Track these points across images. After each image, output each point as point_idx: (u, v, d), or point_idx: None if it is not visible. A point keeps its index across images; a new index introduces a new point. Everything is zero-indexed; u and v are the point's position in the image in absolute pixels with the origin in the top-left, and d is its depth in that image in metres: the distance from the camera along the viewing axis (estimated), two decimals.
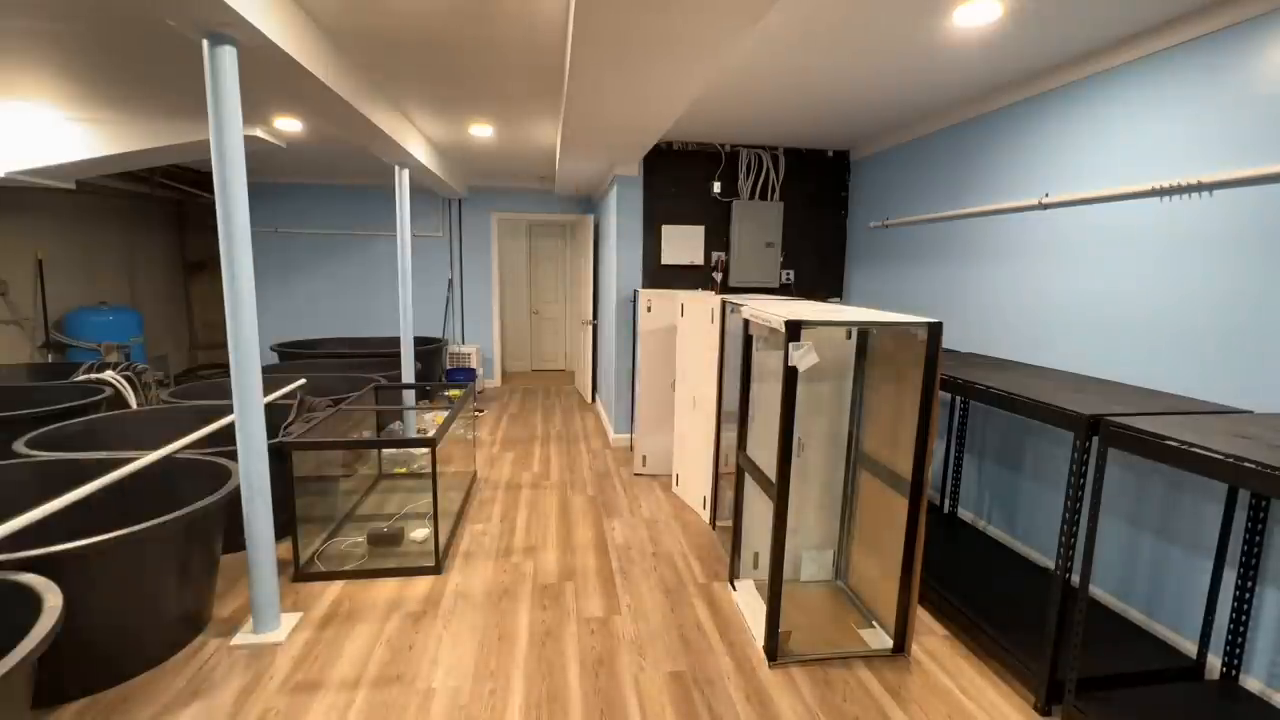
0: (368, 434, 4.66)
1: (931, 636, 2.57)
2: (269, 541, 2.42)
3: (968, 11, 2.44)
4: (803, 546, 2.95)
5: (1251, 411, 2.12)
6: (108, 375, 4.32)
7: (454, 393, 6.57)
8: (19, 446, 2.92)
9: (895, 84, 3.37)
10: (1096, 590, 2.75)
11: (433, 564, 3.02)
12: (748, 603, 2.77)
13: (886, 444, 2.59)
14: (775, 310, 2.47)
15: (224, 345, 7.70)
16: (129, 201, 6.72)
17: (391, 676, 2.24)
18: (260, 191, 7.09)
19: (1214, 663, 2.25)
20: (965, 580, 2.78)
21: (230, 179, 2.18)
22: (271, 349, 6.61)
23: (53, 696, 2.04)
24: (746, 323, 2.77)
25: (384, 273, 7.46)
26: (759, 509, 2.93)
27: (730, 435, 3.45)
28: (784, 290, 5.14)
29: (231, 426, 2.43)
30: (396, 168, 4.65)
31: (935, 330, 2.27)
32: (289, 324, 7.37)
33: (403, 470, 4.42)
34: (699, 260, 5.04)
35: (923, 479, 2.35)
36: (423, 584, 2.90)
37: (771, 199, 5.02)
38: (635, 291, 4.78)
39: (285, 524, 3.24)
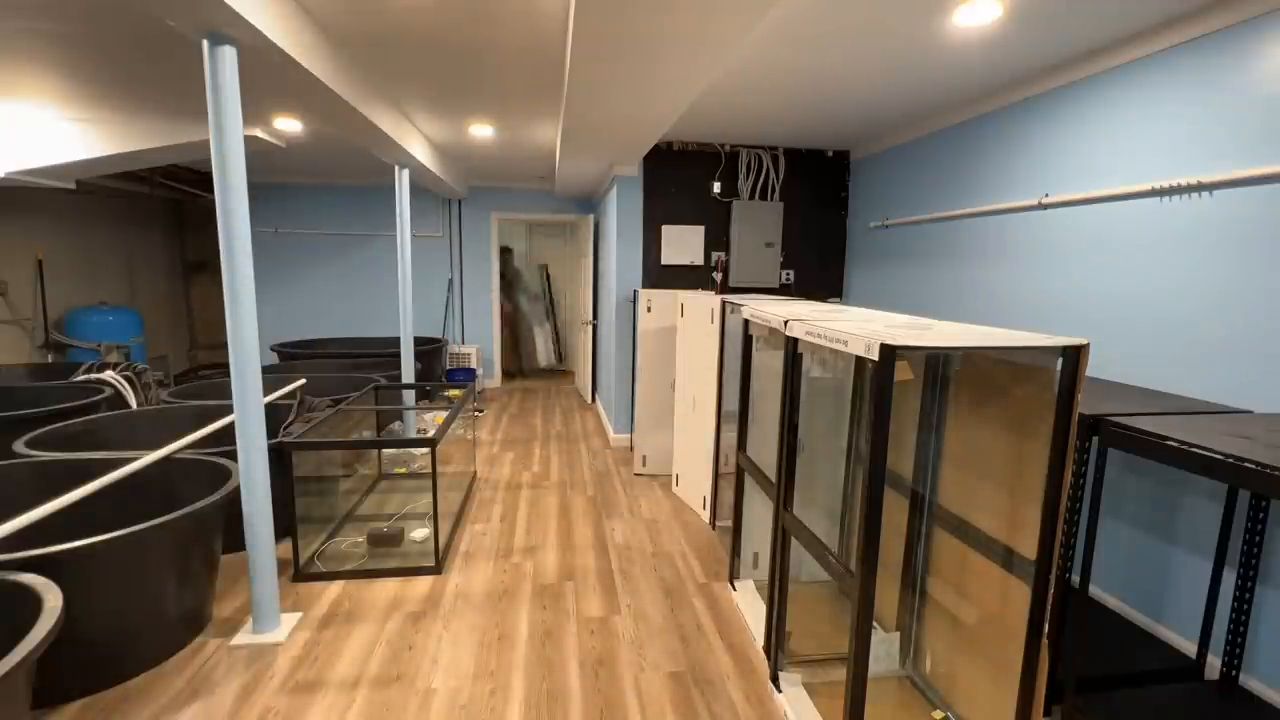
0: (368, 434, 4.66)
1: None
2: (269, 541, 2.42)
3: (968, 11, 2.44)
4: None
5: (1251, 411, 2.12)
6: (108, 375, 4.32)
7: (454, 393, 6.57)
8: (19, 446, 2.92)
9: (895, 84, 3.37)
10: (1096, 590, 2.76)
11: (433, 564, 3.02)
12: (748, 603, 2.77)
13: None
14: (775, 310, 2.46)
15: (224, 345, 7.69)
16: (129, 201, 6.72)
17: (391, 676, 2.24)
18: (260, 191, 7.09)
19: (1214, 663, 2.25)
20: None
21: (230, 179, 2.18)
22: (271, 349, 6.61)
23: (53, 696, 2.04)
24: (747, 323, 2.77)
25: (384, 273, 7.46)
26: (759, 509, 2.92)
27: (730, 435, 3.45)
28: (784, 290, 5.14)
29: (231, 426, 2.42)
30: (396, 168, 4.65)
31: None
32: (289, 324, 7.37)
33: (403, 470, 4.42)
34: (699, 260, 5.04)
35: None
36: (423, 584, 2.90)
37: (771, 199, 5.02)
38: (635, 291, 4.77)
39: (285, 524, 3.24)
